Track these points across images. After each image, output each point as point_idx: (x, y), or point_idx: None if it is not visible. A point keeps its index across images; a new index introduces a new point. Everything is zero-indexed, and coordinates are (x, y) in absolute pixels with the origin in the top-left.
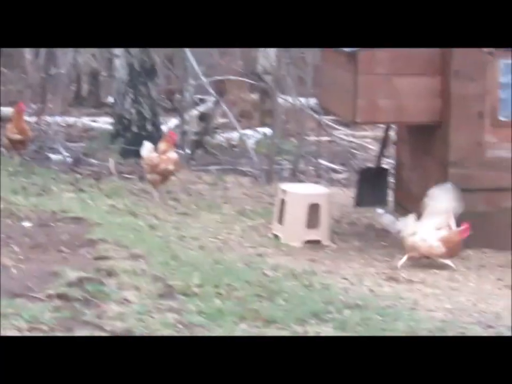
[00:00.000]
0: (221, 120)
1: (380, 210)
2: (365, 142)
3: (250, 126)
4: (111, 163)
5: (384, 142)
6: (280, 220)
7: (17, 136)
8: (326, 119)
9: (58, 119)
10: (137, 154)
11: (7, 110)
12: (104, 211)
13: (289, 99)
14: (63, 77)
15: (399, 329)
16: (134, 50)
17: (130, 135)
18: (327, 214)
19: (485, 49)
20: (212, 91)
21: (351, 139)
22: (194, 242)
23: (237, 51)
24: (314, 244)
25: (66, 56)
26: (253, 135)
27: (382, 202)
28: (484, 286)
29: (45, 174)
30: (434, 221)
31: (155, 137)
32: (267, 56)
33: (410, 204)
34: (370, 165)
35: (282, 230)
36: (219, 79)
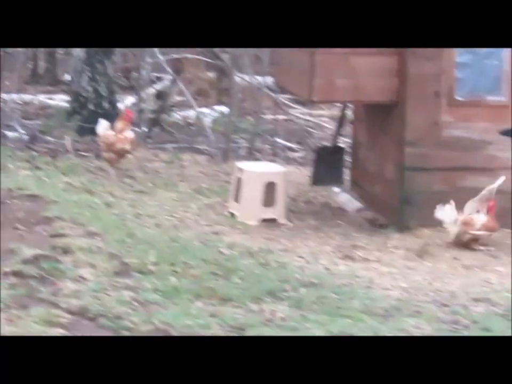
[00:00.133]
0: (177, 98)
1: (336, 189)
2: (322, 121)
3: (207, 104)
4: (67, 141)
5: (340, 121)
6: (237, 198)
7: None
8: (283, 98)
9: (15, 96)
10: (93, 132)
11: None
12: (60, 189)
13: (246, 77)
14: (20, 55)
15: (355, 307)
16: None
17: (87, 113)
18: (283, 192)
19: None
20: (168, 69)
21: (308, 118)
22: (150, 220)
23: None
24: (270, 222)
25: None
26: (210, 114)
27: (338, 181)
28: (439, 265)
29: (1, 152)
30: (472, 205)
31: (112, 115)
32: None
33: (366, 182)
34: (327, 143)
35: (238, 208)
36: (176, 57)
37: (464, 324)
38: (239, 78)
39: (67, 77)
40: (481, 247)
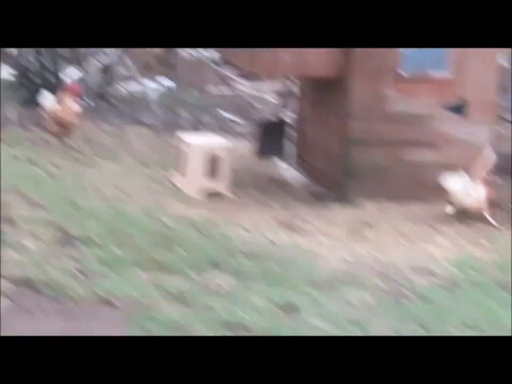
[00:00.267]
0: (123, 72)
1: (280, 163)
2: (266, 95)
3: (152, 78)
4: (11, 113)
5: (285, 96)
6: (181, 171)
7: None
8: (228, 72)
9: None
10: (38, 105)
11: None
12: (4, 160)
13: (192, 52)
14: None
15: (298, 278)
16: None
17: (33, 86)
18: (228, 165)
19: None
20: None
21: (252, 92)
22: (95, 192)
23: None
24: (214, 195)
25: None
26: (155, 87)
27: (281, 154)
28: (382, 238)
29: None
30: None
31: (57, 88)
32: None
33: (311, 156)
34: (271, 117)
35: (183, 181)
36: None
37: (406, 295)
38: (186, 52)
39: (13, 51)
40: (490, 219)
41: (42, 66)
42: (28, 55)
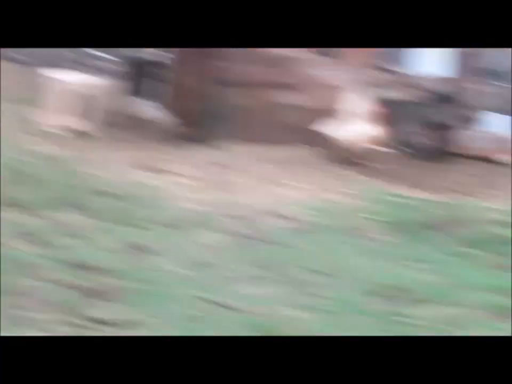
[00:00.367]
0: None
1: (148, 103)
2: None
3: None
4: None
5: None
6: (51, 109)
7: None
8: None
9: None
10: None
11: None
12: None
13: None
14: None
15: (150, 218)
16: None
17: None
18: (99, 104)
19: None
20: None
21: None
22: None
23: None
24: (81, 133)
25: None
26: None
27: (151, 94)
28: (240, 181)
29: None
30: None
31: None
32: None
33: (180, 98)
34: (145, 58)
35: (51, 118)
36: None
37: (258, 238)
38: None
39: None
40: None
41: None
42: None
